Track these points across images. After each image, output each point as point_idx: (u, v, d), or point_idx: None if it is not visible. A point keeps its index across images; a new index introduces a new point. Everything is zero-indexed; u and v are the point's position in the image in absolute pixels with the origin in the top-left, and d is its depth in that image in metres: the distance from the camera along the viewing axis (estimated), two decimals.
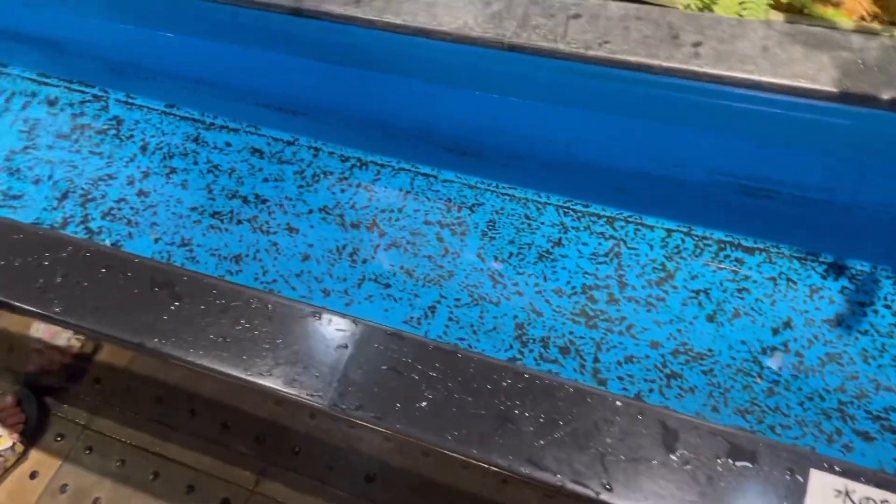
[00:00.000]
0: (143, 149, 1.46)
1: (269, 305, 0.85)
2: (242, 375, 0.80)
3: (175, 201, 1.39)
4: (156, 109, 1.52)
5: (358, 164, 1.41)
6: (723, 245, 1.24)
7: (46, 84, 1.59)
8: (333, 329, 0.82)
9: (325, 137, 1.45)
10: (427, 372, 0.78)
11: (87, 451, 1.27)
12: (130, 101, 1.54)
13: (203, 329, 0.84)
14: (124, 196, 1.40)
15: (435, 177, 1.38)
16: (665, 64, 0.97)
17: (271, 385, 0.79)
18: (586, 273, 1.24)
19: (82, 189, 1.42)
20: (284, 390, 0.78)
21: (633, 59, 0.97)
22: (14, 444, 1.25)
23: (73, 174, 1.44)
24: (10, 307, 0.90)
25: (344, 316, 0.83)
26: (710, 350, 1.15)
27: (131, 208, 1.38)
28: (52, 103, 1.55)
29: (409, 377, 0.78)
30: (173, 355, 0.83)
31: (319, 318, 0.83)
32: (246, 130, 1.48)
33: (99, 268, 0.91)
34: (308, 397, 0.77)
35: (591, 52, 1.00)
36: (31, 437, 1.28)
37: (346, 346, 0.80)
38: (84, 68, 1.59)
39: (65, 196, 1.41)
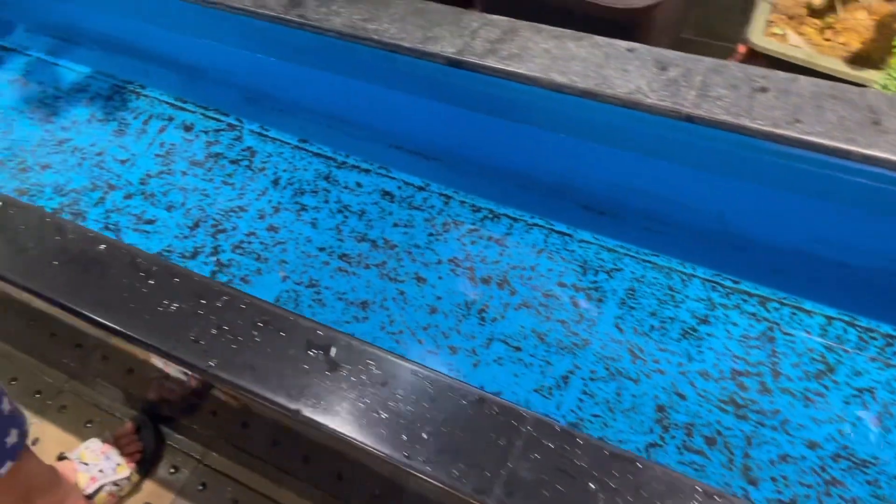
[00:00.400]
0: (275, 183, 1.46)
1: (430, 384, 0.81)
2: (403, 460, 0.75)
3: (304, 240, 1.38)
4: (289, 143, 1.52)
5: (490, 215, 1.37)
6: (891, 340, 1.13)
7: (183, 109, 1.62)
8: (500, 420, 0.77)
9: (458, 185, 1.41)
10: (604, 480, 0.72)
11: (201, 488, 1.25)
12: (264, 132, 1.55)
13: (359, 400, 0.81)
14: (254, 230, 1.40)
15: (570, 236, 1.32)
16: (866, 152, 0.88)
17: (431, 477, 0.74)
18: (735, 356, 1.15)
19: (213, 219, 1.42)
20: (446, 485, 0.73)
21: (829, 143, 0.89)
22: (131, 473, 1.25)
23: (206, 203, 1.45)
24: (164, 355, 0.89)
25: (513, 407, 0.77)
26: (875, 458, 1.05)
27: (261, 243, 1.38)
28: (188, 129, 1.57)
29: (582, 483, 0.72)
30: (327, 426, 0.80)
31: (485, 405, 0.78)
32: (377, 172, 1.46)
33: (254, 322, 0.89)
34: (470, 494, 0.72)
35: (779, 131, 0.92)
36: (146, 467, 1.28)
37: (512, 441, 0.75)
38: (220, 96, 1.62)
39: (196, 225, 1.42)
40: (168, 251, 1.38)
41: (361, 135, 1.51)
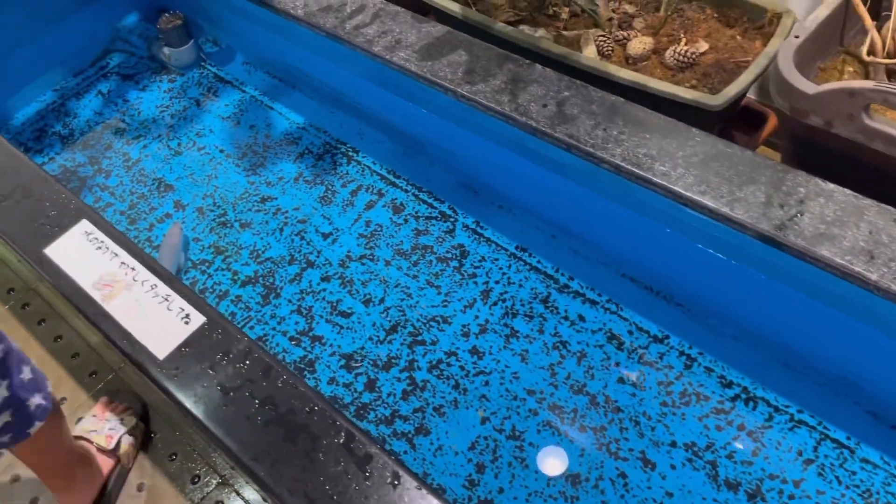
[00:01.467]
0: (485, 295, 1.28)
1: None
2: None
3: (511, 375, 1.19)
4: (505, 249, 1.34)
5: (743, 395, 1.12)
6: None
7: (394, 185, 1.48)
8: None
9: (705, 345, 1.17)
10: None
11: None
12: (479, 230, 1.38)
13: None
14: (456, 349, 1.23)
15: (851, 449, 1.05)
16: None
17: None
18: None
19: (413, 326, 1.27)
20: None
21: None
22: (136, 421, 1.20)
23: (406, 304, 1.29)
24: None
25: None
26: None
27: (461, 368, 1.21)
28: (397, 210, 1.43)
29: None
30: None
31: None
32: (605, 306, 1.24)
33: None
34: None
35: None
36: (140, 415, 1.22)
37: None
38: (436, 177, 1.46)
39: (394, 329, 1.27)
40: (361, 354, 1.24)
41: (590, 255, 1.30)
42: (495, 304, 1.27)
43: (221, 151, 1.59)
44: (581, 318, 1.24)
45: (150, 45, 1.82)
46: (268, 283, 1.36)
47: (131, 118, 1.69)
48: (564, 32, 1.20)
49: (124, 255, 0.98)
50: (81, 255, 1.00)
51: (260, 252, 1.41)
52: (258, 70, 1.75)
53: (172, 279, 0.94)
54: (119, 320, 0.92)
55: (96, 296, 0.95)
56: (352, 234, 1.41)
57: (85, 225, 1.02)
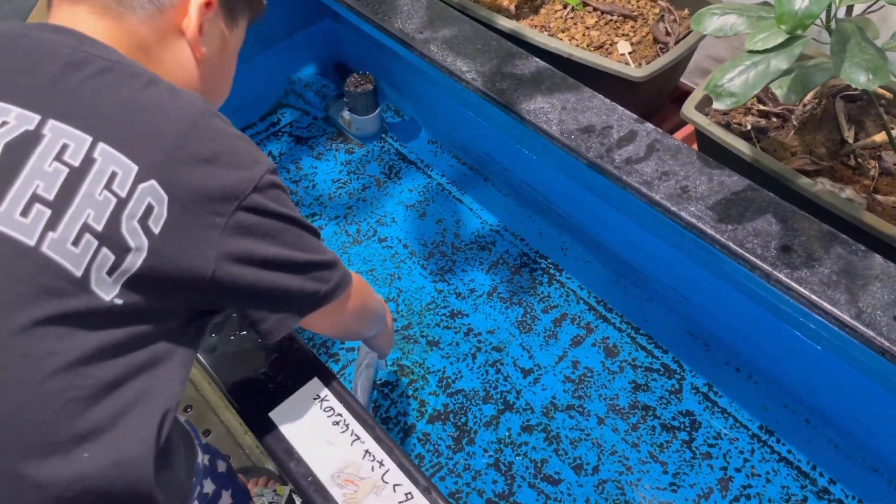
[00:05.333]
0: (723, 485, 1.09)
1: None
2: None
3: None
4: (746, 427, 1.14)
5: None
6: None
7: (605, 319, 1.29)
8: None
9: None
10: None
11: None
12: (713, 396, 1.18)
13: None
14: None
15: None
16: None
17: None
18: None
19: None
20: None
21: None
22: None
23: (626, 479, 1.10)
24: None
25: None
26: None
27: None
28: (609, 352, 1.25)
29: None
30: None
31: None
32: None
33: None
34: None
35: None
36: None
37: None
38: (658, 317, 1.27)
39: None
40: None
41: (856, 455, 1.09)
42: (737, 500, 1.08)
43: (406, 247, 1.43)
44: None
45: (327, 105, 1.67)
46: (459, 423, 1.19)
47: (305, 191, 1.55)
48: (879, 197, 1.00)
49: (369, 442, 0.82)
50: (312, 428, 0.85)
51: (450, 381, 1.24)
52: (444, 152, 1.59)
53: (431, 490, 0.78)
54: None
55: (337, 496, 0.79)
56: (556, 376, 1.24)
57: (316, 386, 0.87)
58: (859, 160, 1.06)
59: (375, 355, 1.12)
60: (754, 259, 0.90)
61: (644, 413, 1.18)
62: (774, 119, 1.14)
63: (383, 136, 1.64)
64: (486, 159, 1.51)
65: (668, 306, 1.28)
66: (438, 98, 1.51)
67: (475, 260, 1.40)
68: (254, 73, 1.67)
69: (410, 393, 1.24)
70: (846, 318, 0.83)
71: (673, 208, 0.97)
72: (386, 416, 1.21)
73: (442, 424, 1.20)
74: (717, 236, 0.93)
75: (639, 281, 1.31)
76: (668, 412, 1.17)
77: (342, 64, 1.74)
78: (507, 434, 1.18)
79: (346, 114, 1.61)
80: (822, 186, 1.00)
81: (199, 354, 0.88)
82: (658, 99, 1.44)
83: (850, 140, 1.07)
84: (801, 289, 0.86)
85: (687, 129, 1.32)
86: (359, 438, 0.82)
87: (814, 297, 0.85)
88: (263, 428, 0.83)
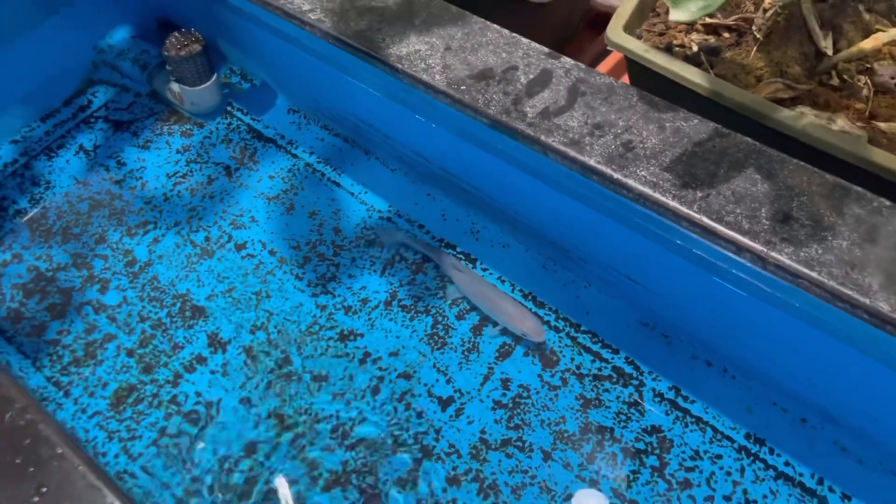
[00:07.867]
0: None
1: None
2: None
3: None
4: (730, 438, 0.90)
5: None
6: None
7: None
8: None
9: None
10: None
11: None
12: (683, 403, 0.92)
13: None
14: None
15: None
16: None
17: None
18: None
19: None
20: None
21: None
22: None
23: None
24: None
25: None
26: None
27: None
28: (547, 362, 0.97)
29: None
30: None
31: None
32: None
33: None
34: None
35: None
36: None
37: None
38: (601, 307, 1.00)
39: None
40: None
41: (868, 459, 0.87)
42: None
43: (272, 254, 1.10)
44: None
45: (150, 76, 1.29)
46: (365, 486, 0.89)
47: (131, 192, 1.18)
48: (881, 125, 0.75)
49: None
50: None
51: (347, 429, 0.94)
52: (311, 123, 1.25)
53: None
54: None
55: None
56: (484, 402, 0.95)
57: None
58: (845, 77, 0.80)
59: None
60: (741, 238, 0.63)
61: (600, 437, 0.91)
62: (727, 34, 0.86)
63: (228, 109, 1.27)
64: (363, 127, 1.18)
65: (611, 292, 1.01)
66: (294, 53, 1.16)
67: (365, 260, 1.09)
68: (46, 44, 1.27)
69: (296, 452, 0.92)
70: (886, 310, 0.58)
71: (616, 175, 0.68)
72: (264, 489, 0.90)
73: (342, 491, 0.89)
74: (685, 209, 0.65)
75: (571, 264, 1.03)
76: (629, 432, 0.91)
77: (166, 20, 1.35)
78: (428, 492, 0.89)
79: (174, 86, 1.23)
80: (809, 119, 0.73)
81: None
82: (569, 24, 1.14)
83: (829, 52, 0.81)
84: (817, 275, 0.60)
85: (611, 61, 1.04)
86: None
87: (836, 286, 0.59)
88: None
